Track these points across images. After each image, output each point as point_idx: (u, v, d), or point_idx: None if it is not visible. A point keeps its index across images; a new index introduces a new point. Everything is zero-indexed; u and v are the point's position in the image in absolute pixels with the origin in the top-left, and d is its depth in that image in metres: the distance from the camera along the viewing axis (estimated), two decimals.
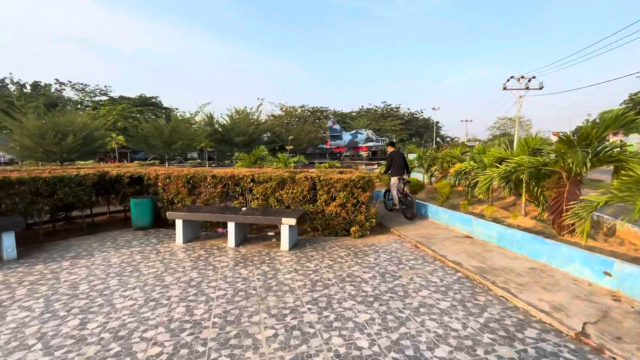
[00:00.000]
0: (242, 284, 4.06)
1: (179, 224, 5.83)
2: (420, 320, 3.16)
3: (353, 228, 6.28)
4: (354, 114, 76.18)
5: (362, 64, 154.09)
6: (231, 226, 5.64)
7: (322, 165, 11.54)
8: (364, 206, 6.37)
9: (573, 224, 4.70)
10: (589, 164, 4.63)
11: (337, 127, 43.92)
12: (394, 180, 8.17)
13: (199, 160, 44.50)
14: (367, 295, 3.73)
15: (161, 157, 33.22)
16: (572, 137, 5.12)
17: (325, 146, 46.70)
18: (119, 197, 7.60)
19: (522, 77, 34.60)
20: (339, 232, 6.46)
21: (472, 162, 8.08)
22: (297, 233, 6.14)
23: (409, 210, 7.90)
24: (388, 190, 8.79)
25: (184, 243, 5.87)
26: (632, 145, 18.01)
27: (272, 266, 4.72)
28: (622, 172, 4.46)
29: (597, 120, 5.34)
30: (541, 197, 6.05)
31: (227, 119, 35.49)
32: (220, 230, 6.74)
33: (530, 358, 2.54)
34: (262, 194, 6.56)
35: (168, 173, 7.03)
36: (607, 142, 6.82)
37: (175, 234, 6.04)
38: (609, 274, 3.75)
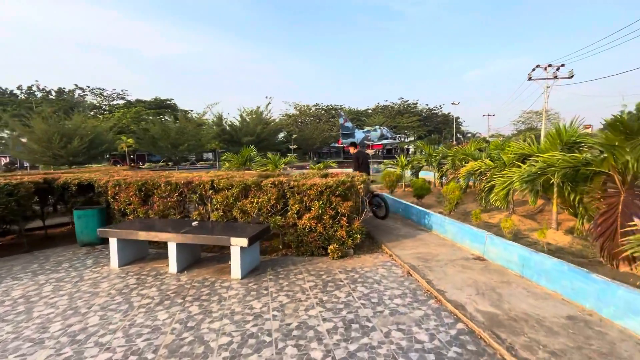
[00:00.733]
0: (147, 336, 2.89)
1: (113, 243, 4.76)
2: None
3: (331, 247, 5.00)
4: (369, 111, 74.19)
5: (379, 61, 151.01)
6: (172, 247, 4.50)
7: (316, 166, 10.27)
8: (345, 218, 5.06)
9: (634, 254, 3.22)
10: None
11: (349, 124, 42.38)
12: None
13: (211, 162, 44.28)
14: None
15: (172, 159, 33.02)
16: (632, 123, 3.58)
17: (337, 145, 45.25)
18: (69, 208, 6.65)
19: (550, 65, 31.84)
20: (315, 251, 5.19)
21: (487, 161, 6.58)
22: (259, 253, 4.94)
23: (379, 209, 7.08)
24: (376, 195, 7.36)
25: (120, 266, 4.79)
26: None
27: (205, 306, 3.52)
28: None
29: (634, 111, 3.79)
30: (580, 207, 4.52)
31: (239, 119, 34.96)
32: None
33: None
34: (223, 203, 5.40)
35: (118, 180, 5.99)
36: None
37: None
38: None
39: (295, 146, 20.94)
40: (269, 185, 5.21)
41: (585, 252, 4.49)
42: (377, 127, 46.60)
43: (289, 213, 5.15)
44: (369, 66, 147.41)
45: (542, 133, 31.74)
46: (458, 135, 72.89)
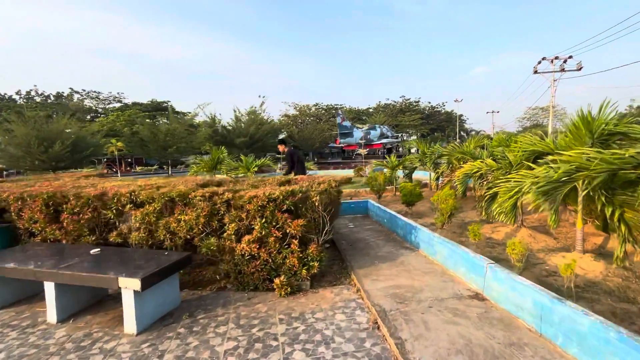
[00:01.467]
0: None
1: None
2: None
3: (277, 280, 3.73)
4: (370, 110, 72.78)
5: (381, 60, 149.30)
6: (49, 289, 3.26)
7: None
8: (297, 241, 3.79)
9: None
10: None
11: (347, 123, 41.00)
12: None
13: None
14: None
15: (164, 163, 31.99)
16: None
17: (336, 145, 43.95)
18: None
19: (557, 57, 30.28)
20: (260, 284, 3.93)
21: (489, 161, 5.27)
22: (178, 289, 3.68)
23: None
24: None
25: None
26: None
27: None
28: None
29: None
30: (622, 226, 3.19)
31: (234, 120, 33.84)
32: None
33: None
34: (145, 221, 4.16)
35: (22, 192, 4.78)
36: None
37: None
38: None
39: (283, 147, 20.24)
40: (198, 198, 3.96)
41: (632, 292, 3.18)
42: (377, 125, 45.16)
43: (225, 234, 3.90)
44: (371, 65, 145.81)
45: (549, 130, 30.11)
46: (461, 133, 71.26)
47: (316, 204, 3.84)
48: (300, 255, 3.79)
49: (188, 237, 4.07)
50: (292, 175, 5.87)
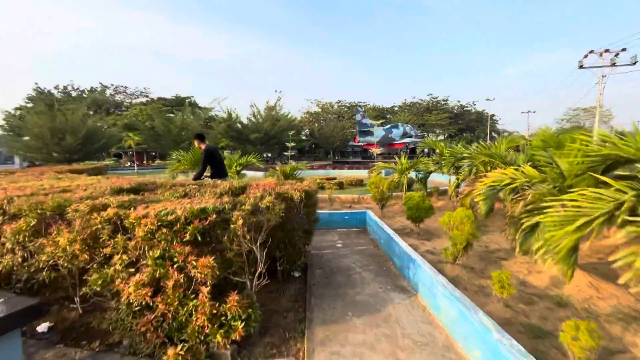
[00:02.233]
0: None
1: None
2: None
3: (171, 351, 2.35)
4: (395, 108, 70.05)
5: (411, 58, 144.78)
6: None
7: (285, 167, 7.59)
8: (206, 289, 2.40)
9: None
10: None
11: (367, 121, 38.98)
12: None
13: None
14: None
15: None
16: None
17: (354, 143, 42.09)
18: None
19: (607, 50, 26.85)
20: (158, 350, 2.58)
21: (528, 169, 3.63)
22: (20, 353, 2.41)
23: None
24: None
25: None
26: None
27: None
28: None
29: None
30: None
31: (252, 116, 33.12)
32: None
33: None
34: (19, 242, 2.94)
35: None
36: None
37: None
38: None
39: (293, 144, 18.50)
40: (73, 214, 2.67)
41: None
42: (400, 124, 42.81)
43: (112, 270, 2.58)
44: (397, 62, 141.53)
45: (595, 132, 26.85)
46: (493, 134, 67.01)
47: (239, 232, 2.41)
48: (214, 311, 2.41)
49: (71, 267, 2.81)
50: (208, 180, 4.67)
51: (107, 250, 2.53)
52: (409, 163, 7.68)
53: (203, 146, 5.88)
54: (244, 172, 8.20)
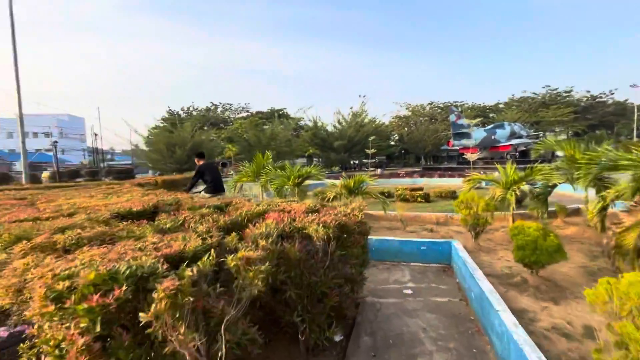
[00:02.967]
0: None
1: None
2: None
3: None
4: (500, 105, 60.99)
5: (520, 44, 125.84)
6: None
7: (347, 181, 6.36)
8: None
9: None
10: None
11: (463, 121, 34.28)
12: None
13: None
14: None
15: None
16: None
17: (448, 147, 37.62)
18: None
19: None
20: None
21: None
22: None
23: None
24: None
25: None
26: None
27: None
28: None
29: None
30: None
31: (336, 123, 33.09)
32: None
33: None
34: None
35: None
36: None
37: None
38: None
39: (373, 150, 16.77)
40: None
41: None
42: (506, 123, 36.53)
43: None
44: (500, 55, 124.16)
45: None
46: None
47: (166, 320, 1.33)
48: None
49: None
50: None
51: None
52: (518, 173, 5.49)
53: (200, 163, 6.55)
54: (307, 182, 7.30)
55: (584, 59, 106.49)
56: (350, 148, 29.54)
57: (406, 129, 56.97)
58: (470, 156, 19.62)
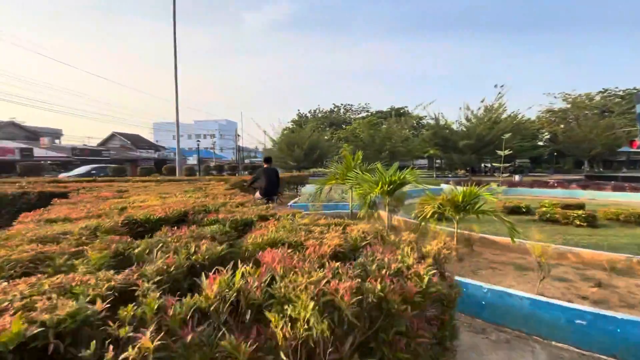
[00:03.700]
0: None
1: None
2: None
3: None
4: None
5: None
6: None
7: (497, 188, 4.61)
8: None
9: None
10: None
11: None
12: None
13: (425, 170, 40.18)
14: None
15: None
16: None
17: (632, 149, 27.26)
18: None
19: None
20: None
21: None
22: None
23: None
24: None
25: None
26: None
27: None
28: None
29: None
30: None
31: (463, 119, 28.92)
32: None
33: None
34: None
35: None
36: None
37: None
38: None
39: (509, 151, 12.69)
40: None
41: None
42: None
43: None
44: None
45: None
46: None
47: None
48: None
49: None
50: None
51: None
52: None
53: (265, 166, 7.13)
54: (405, 189, 5.91)
55: None
56: (479, 148, 25.01)
57: (562, 125, 45.23)
58: None
